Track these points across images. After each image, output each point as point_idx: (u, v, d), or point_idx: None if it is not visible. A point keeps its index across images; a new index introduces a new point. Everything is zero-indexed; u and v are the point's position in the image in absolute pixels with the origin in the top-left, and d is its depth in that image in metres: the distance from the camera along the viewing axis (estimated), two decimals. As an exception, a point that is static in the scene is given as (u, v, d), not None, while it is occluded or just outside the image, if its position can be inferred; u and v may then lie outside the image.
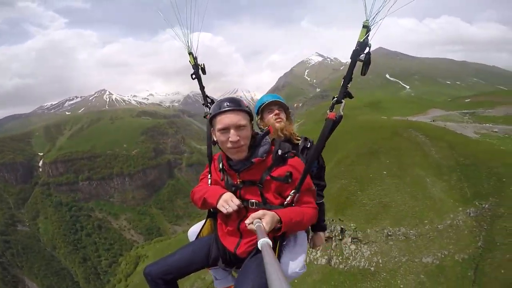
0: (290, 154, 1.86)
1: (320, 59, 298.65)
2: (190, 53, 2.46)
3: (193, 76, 2.49)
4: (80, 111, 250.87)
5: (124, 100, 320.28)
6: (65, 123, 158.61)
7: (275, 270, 0.81)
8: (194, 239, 2.24)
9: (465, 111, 38.87)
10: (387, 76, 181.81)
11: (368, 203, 16.47)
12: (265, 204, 1.80)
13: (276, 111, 2.51)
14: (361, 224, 15.83)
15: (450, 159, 17.97)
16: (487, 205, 15.57)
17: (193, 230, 2.33)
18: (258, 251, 1.74)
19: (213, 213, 2.13)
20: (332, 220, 16.72)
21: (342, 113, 1.91)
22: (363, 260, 15.40)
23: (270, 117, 2.51)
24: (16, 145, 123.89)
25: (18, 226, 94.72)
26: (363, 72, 1.76)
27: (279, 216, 1.63)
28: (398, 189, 16.52)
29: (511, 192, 15.43)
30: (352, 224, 15.96)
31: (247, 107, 1.79)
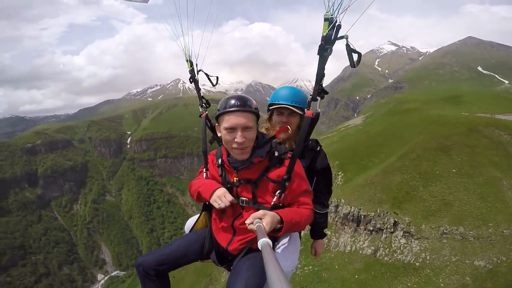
0: (287, 155, 1.87)
1: (394, 48, 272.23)
2: (187, 61, 2.72)
3: (190, 80, 2.73)
4: (159, 97, 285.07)
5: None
6: (148, 108, 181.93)
7: (276, 270, 0.80)
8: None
9: None
10: (479, 68, 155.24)
11: (429, 199, 15.91)
12: (254, 203, 1.83)
13: (285, 119, 2.32)
14: (417, 219, 15.53)
15: (537, 162, 15.84)
16: None
17: (190, 223, 2.36)
18: (250, 250, 1.84)
19: (209, 207, 2.14)
20: (386, 213, 16.74)
21: (319, 110, 1.99)
22: (410, 254, 15.20)
23: (277, 122, 2.35)
24: (110, 125, 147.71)
25: (106, 196, 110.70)
26: (352, 63, 1.80)
27: (280, 216, 1.65)
28: (466, 189, 15.48)
29: None
30: (406, 218, 15.78)
31: (255, 108, 1.79)
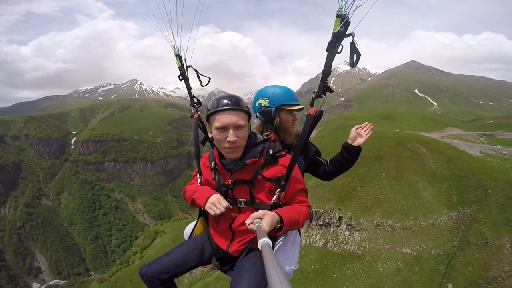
0: (281, 153, 1.86)
1: (348, 68, 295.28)
2: (177, 56, 2.49)
3: (180, 77, 2.52)
4: (112, 97, 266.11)
5: (153, 91, 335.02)
6: (98, 107, 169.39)
7: (276, 271, 0.80)
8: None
9: (484, 132, 39.57)
10: (416, 91, 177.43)
11: (365, 198, 19.06)
12: (253, 203, 1.81)
13: (296, 117, 2.43)
14: (357, 214, 18.48)
15: (445, 169, 20.13)
16: (469, 211, 17.75)
17: (188, 230, 2.36)
18: (251, 250, 1.83)
19: (205, 212, 2.08)
20: (333, 209, 19.43)
21: (322, 108, 1.95)
22: (353, 244, 18.02)
23: (289, 121, 2.39)
24: (53, 122, 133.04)
25: (42, 200, 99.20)
26: (351, 63, 1.76)
27: (279, 216, 1.62)
28: (392, 189, 19.01)
29: (492, 202, 17.53)
30: (348, 213, 18.62)
31: (246, 106, 1.77)
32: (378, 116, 46.66)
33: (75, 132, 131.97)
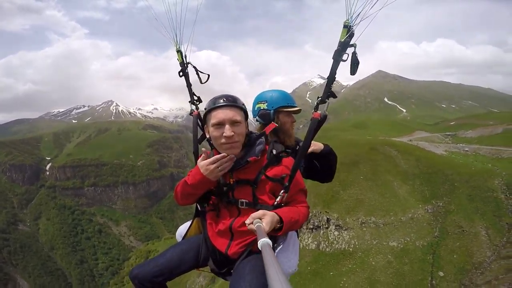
0: (284, 154, 1.88)
1: (322, 81, 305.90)
2: (178, 51, 2.48)
3: (181, 73, 2.50)
4: (86, 120, 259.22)
5: (129, 112, 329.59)
6: (73, 131, 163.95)
7: (276, 271, 0.80)
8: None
9: (448, 133, 43.51)
10: (386, 99, 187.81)
11: (348, 199, 20.92)
12: (255, 204, 1.79)
13: (293, 119, 2.50)
14: (342, 214, 20.20)
15: (415, 168, 22.58)
16: (441, 203, 19.96)
17: (181, 231, 2.30)
18: (251, 252, 1.79)
19: (201, 213, 2.04)
20: (320, 213, 21.05)
21: (326, 112, 1.98)
22: (344, 243, 19.58)
23: (288, 123, 2.45)
24: (25, 148, 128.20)
25: (19, 226, 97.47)
26: (352, 71, 1.80)
27: (279, 216, 1.62)
28: (371, 189, 21.06)
29: (460, 194, 19.88)
30: (335, 215, 20.31)
31: (243, 104, 1.79)
32: (352, 126, 50.21)
33: (49, 158, 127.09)
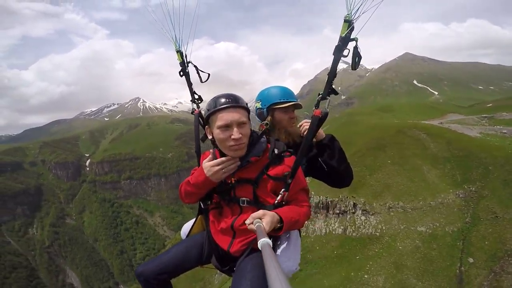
0: (286, 153, 1.87)
1: (345, 66, 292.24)
2: (178, 51, 2.49)
3: (181, 73, 2.52)
4: (117, 117, 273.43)
5: (156, 108, 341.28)
6: (106, 128, 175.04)
7: (276, 271, 0.80)
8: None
9: (484, 115, 41.01)
10: (415, 82, 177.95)
11: (375, 184, 21.08)
12: (256, 203, 1.80)
13: (293, 115, 2.43)
14: (369, 199, 20.48)
15: (446, 152, 22.04)
16: (474, 188, 19.47)
17: (185, 228, 2.32)
18: (253, 250, 1.78)
19: (205, 210, 2.03)
20: (347, 197, 21.45)
21: (327, 110, 1.96)
22: (370, 227, 19.95)
23: (285, 120, 2.39)
24: (66, 146, 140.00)
25: (66, 219, 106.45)
26: (353, 66, 1.79)
27: (279, 215, 1.62)
28: (399, 174, 21.00)
29: (494, 178, 19.22)
30: (362, 199, 20.65)
31: (246, 104, 1.78)
32: (378, 110, 48.67)
33: (88, 155, 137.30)
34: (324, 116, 1.96)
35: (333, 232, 21.39)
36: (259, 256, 1.57)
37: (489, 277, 15.32)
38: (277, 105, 2.39)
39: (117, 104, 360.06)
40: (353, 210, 21.01)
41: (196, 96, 2.52)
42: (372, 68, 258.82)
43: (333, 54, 1.78)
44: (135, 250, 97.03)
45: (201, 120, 2.33)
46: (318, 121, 1.94)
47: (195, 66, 2.55)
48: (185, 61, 2.52)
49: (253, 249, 1.79)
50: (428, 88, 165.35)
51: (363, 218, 20.49)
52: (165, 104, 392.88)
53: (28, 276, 79.33)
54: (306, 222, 1.92)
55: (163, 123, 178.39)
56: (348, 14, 1.68)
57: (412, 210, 19.37)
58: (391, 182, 20.81)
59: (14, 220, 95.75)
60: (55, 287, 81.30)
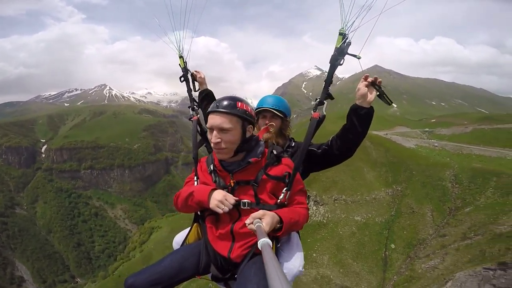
0: (284, 154, 1.91)
1: (318, 72, 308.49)
2: (181, 57, 2.57)
3: (182, 79, 2.57)
4: (79, 103, 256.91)
5: (123, 96, 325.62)
6: (67, 114, 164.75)
7: (276, 271, 0.80)
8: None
9: (427, 129, 47.50)
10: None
11: (325, 180, 25.08)
12: (258, 204, 1.76)
13: (267, 120, 2.46)
14: (320, 192, 24.41)
15: (383, 158, 26.81)
16: (400, 188, 24.21)
17: (179, 238, 2.19)
18: (254, 255, 1.74)
19: (200, 217, 1.97)
20: (301, 191, 25.16)
21: (325, 113, 2.07)
22: (319, 215, 23.76)
23: (262, 124, 2.45)
24: (20, 130, 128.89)
25: (16, 209, 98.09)
26: (388, 102, 2.05)
27: (279, 216, 1.62)
28: (345, 173, 25.24)
29: (416, 181, 24.09)
30: (314, 192, 24.45)
31: (245, 110, 1.74)
32: (339, 118, 53.83)
33: (44, 140, 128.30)
34: (322, 118, 2.10)
35: (289, 220, 24.92)
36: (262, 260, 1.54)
37: (406, 261, 19.28)
38: (258, 110, 2.52)
39: (80, 89, 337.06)
40: (307, 201, 24.69)
41: (195, 103, 2.63)
42: (343, 77, 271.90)
43: (329, 63, 1.94)
44: (94, 243, 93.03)
45: (198, 127, 2.47)
46: (316, 123, 2.08)
47: (191, 75, 2.69)
48: (187, 67, 2.63)
49: (254, 253, 1.74)
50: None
51: (314, 207, 24.29)
52: (133, 93, 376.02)
53: (-29, 269, 72.82)
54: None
55: (130, 113, 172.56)
56: (343, 28, 1.82)
57: (351, 203, 23.56)
58: (338, 179, 24.97)
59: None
60: (2, 280, 75.36)
